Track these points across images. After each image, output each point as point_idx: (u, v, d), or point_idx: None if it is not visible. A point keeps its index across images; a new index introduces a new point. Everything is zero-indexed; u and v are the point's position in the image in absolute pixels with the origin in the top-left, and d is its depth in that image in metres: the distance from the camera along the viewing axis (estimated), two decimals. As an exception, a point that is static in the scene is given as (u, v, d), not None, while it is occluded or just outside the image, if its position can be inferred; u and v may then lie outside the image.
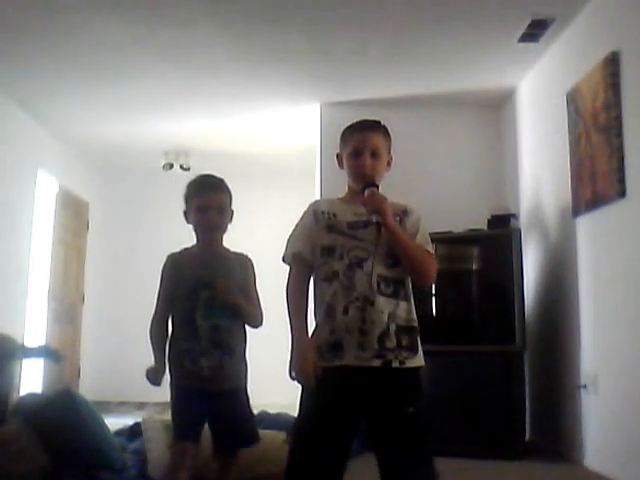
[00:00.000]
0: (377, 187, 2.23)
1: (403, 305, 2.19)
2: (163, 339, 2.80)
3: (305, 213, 2.33)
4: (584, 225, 4.44)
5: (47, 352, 5.51)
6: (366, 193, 2.19)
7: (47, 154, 7.22)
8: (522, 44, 4.90)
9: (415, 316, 2.23)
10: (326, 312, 2.18)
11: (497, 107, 6.24)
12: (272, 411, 5.01)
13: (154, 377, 2.73)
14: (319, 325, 2.22)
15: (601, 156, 4.11)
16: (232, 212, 2.90)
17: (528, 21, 4.54)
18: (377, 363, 2.10)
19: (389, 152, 2.35)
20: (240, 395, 2.78)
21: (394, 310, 2.15)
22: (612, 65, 3.96)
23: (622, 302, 3.91)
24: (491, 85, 5.81)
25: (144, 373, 2.73)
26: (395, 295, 2.17)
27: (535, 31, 4.69)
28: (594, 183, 4.21)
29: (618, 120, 3.91)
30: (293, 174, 8.23)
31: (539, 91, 5.37)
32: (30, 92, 6.07)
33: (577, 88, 4.47)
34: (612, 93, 3.96)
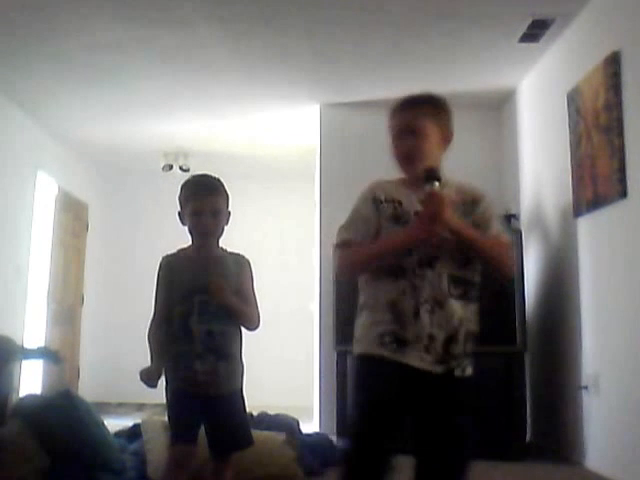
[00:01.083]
0: (439, 179, 1.97)
1: (472, 308, 2.02)
2: (162, 344, 2.74)
3: (362, 199, 2.10)
4: (585, 225, 4.43)
5: (46, 353, 5.49)
6: (425, 191, 1.95)
7: (47, 156, 7.21)
8: (523, 44, 4.89)
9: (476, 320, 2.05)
10: (391, 311, 1.97)
11: (498, 107, 6.23)
12: (271, 412, 4.98)
13: (149, 379, 2.65)
14: (379, 315, 2.00)
15: (602, 156, 4.10)
16: (229, 214, 2.81)
17: (529, 21, 4.54)
18: (439, 369, 1.94)
19: (446, 128, 2.11)
20: (235, 399, 2.72)
21: (464, 314, 1.98)
22: (613, 65, 3.96)
23: (623, 303, 3.90)
24: (492, 85, 5.81)
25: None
26: (464, 297, 2.00)
27: (536, 31, 4.68)
28: (595, 183, 4.20)
29: (619, 120, 3.90)
30: (293, 175, 8.22)
31: (540, 91, 5.37)
32: (30, 94, 6.07)
33: (578, 88, 4.46)
34: (613, 93, 3.95)
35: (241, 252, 2.89)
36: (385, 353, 1.95)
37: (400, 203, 2.03)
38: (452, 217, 1.94)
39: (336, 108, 6.11)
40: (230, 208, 2.83)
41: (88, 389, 7.48)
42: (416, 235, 1.95)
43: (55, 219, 7.34)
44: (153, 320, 2.76)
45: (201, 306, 2.64)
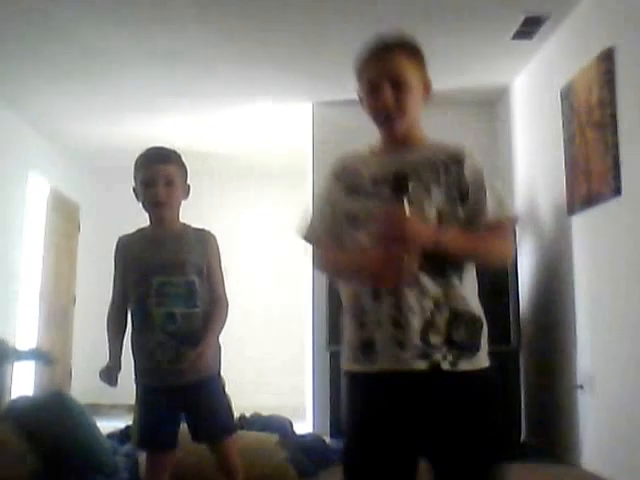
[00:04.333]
0: (408, 189, 1.57)
1: (455, 286, 1.59)
2: (119, 332, 2.59)
3: (326, 178, 1.81)
4: (579, 223, 4.41)
5: (38, 355, 5.48)
6: (388, 207, 1.56)
7: (38, 156, 7.17)
8: (516, 41, 4.87)
9: (476, 303, 1.64)
10: (354, 299, 1.64)
11: (491, 104, 6.21)
12: (264, 413, 4.96)
13: (107, 377, 2.50)
14: (347, 318, 1.67)
15: (596, 153, 4.08)
16: (188, 187, 2.66)
17: (522, 18, 4.52)
18: (422, 365, 1.55)
19: (426, 74, 1.83)
20: (210, 385, 2.54)
21: (442, 293, 1.57)
22: (607, 62, 3.94)
23: (619, 301, 3.88)
24: (485, 82, 5.79)
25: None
26: (442, 273, 1.58)
27: (529, 28, 4.67)
28: (589, 181, 4.18)
29: (613, 117, 3.88)
30: (285, 174, 8.18)
31: (533, 88, 5.35)
32: (21, 94, 6.02)
33: (572, 85, 4.44)
34: (607, 90, 3.93)
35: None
36: (358, 368, 1.63)
37: (357, 170, 1.71)
38: (422, 237, 1.53)
39: (329, 106, 6.07)
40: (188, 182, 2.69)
41: (80, 390, 7.43)
42: (376, 283, 1.58)
43: (47, 220, 7.30)
44: (110, 308, 2.62)
45: (160, 287, 2.48)
